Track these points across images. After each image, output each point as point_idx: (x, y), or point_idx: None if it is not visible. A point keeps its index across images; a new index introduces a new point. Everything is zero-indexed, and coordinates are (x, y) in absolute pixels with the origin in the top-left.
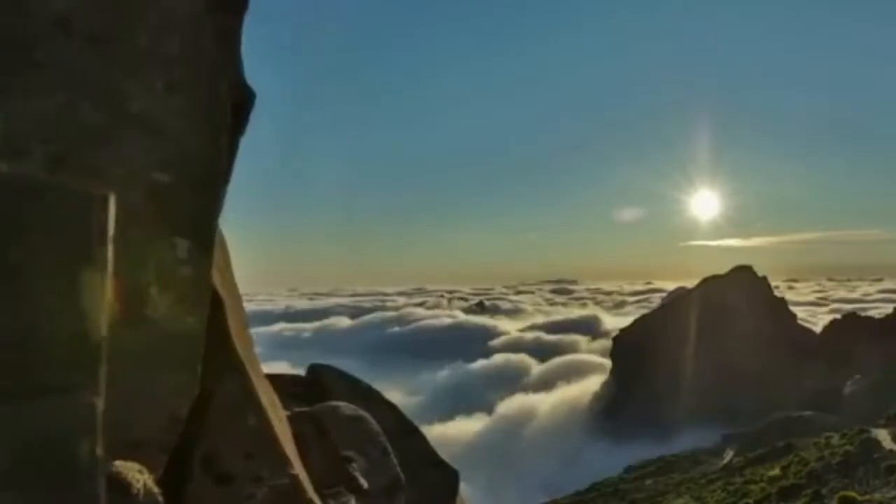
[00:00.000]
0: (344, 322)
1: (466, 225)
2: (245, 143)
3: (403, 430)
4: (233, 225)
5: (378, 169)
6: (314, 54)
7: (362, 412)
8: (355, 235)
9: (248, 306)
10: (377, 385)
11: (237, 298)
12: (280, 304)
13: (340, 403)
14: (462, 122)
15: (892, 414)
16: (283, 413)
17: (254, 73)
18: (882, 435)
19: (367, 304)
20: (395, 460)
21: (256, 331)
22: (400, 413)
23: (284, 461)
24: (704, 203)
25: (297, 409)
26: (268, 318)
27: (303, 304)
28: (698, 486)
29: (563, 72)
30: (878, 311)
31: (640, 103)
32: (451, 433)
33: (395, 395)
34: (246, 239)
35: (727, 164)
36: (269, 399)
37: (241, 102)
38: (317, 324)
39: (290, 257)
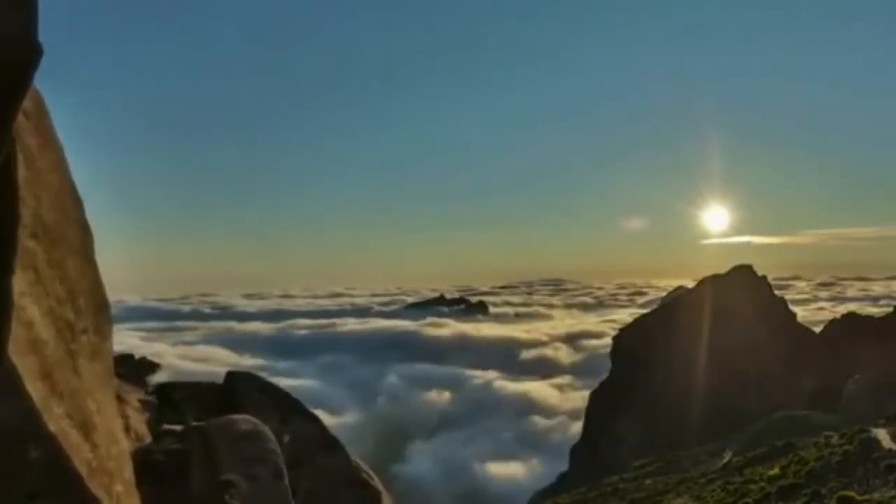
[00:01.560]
0: (344, 324)
1: (468, 227)
2: (247, 139)
3: (323, 446)
4: (226, 223)
5: (375, 168)
6: (310, 51)
7: (262, 427)
8: (352, 235)
9: (256, 304)
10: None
11: (66, 302)
12: (282, 303)
13: (239, 417)
14: (466, 122)
15: (892, 414)
16: (106, 439)
17: (253, 69)
18: (881, 434)
19: (358, 305)
20: (287, 484)
21: (250, 329)
22: (321, 426)
23: (87, 500)
24: (704, 201)
25: (192, 424)
26: (259, 316)
27: (297, 304)
28: (698, 485)
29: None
30: (879, 310)
31: (642, 103)
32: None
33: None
34: (249, 237)
35: (729, 161)
36: (82, 422)
37: (18, 59)
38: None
39: (289, 257)
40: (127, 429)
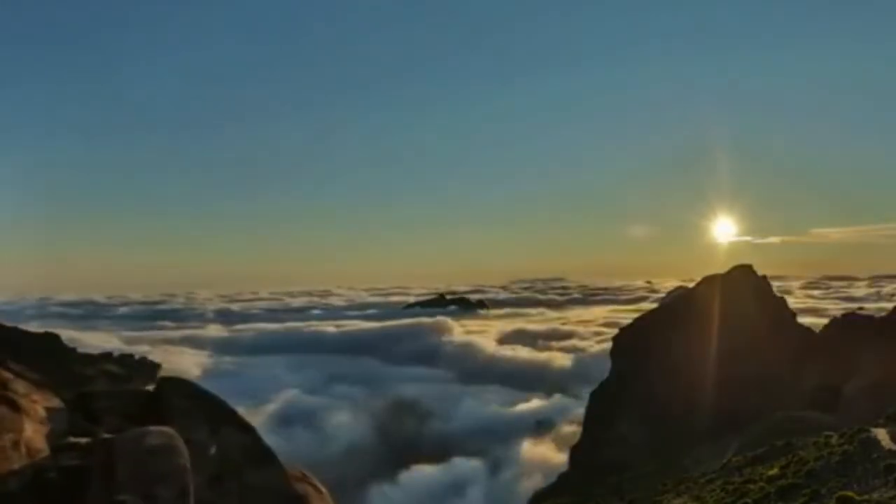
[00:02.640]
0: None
1: (469, 226)
2: (239, 135)
3: (254, 459)
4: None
5: (374, 165)
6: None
7: (175, 441)
8: (351, 233)
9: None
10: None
11: None
12: (278, 303)
13: (154, 429)
14: (467, 121)
15: (891, 413)
16: None
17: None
18: (881, 434)
19: (356, 303)
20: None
21: (242, 328)
22: (256, 438)
23: None
24: (704, 202)
25: (101, 436)
26: (254, 316)
27: (295, 302)
28: (698, 485)
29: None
30: (880, 305)
31: (644, 101)
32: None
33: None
34: (242, 235)
35: (730, 161)
36: None
37: None
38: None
39: (285, 255)
40: (17, 444)
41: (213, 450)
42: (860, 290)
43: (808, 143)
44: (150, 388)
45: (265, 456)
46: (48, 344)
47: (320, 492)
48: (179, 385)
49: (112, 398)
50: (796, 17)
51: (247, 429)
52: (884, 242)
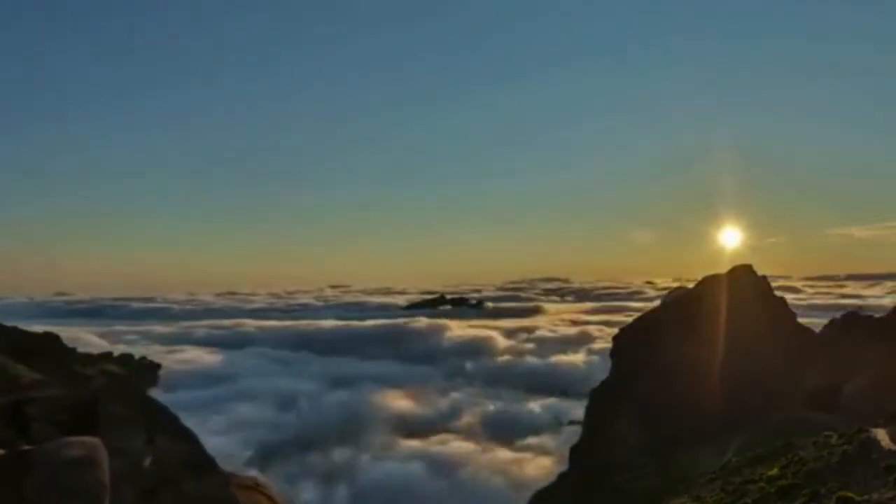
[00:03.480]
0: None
1: (470, 226)
2: (236, 133)
3: (192, 468)
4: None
5: (375, 165)
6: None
7: (96, 453)
8: (351, 232)
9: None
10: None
11: None
12: (277, 301)
13: (75, 440)
14: (469, 121)
15: (891, 414)
16: None
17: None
18: (881, 434)
19: (356, 303)
20: None
21: (241, 327)
22: (195, 445)
23: None
24: (705, 200)
25: (20, 448)
26: (255, 314)
27: (295, 301)
28: (697, 485)
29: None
30: (881, 301)
31: (643, 98)
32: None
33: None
34: (240, 233)
35: (731, 160)
36: None
37: None
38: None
39: (284, 252)
40: None
41: (147, 460)
42: (861, 289)
43: (808, 143)
44: (84, 394)
45: (204, 465)
46: (48, 343)
47: (274, 501)
48: (119, 391)
49: (45, 405)
50: (797, 17)
51: (185, 437)
52: (884, 242)
